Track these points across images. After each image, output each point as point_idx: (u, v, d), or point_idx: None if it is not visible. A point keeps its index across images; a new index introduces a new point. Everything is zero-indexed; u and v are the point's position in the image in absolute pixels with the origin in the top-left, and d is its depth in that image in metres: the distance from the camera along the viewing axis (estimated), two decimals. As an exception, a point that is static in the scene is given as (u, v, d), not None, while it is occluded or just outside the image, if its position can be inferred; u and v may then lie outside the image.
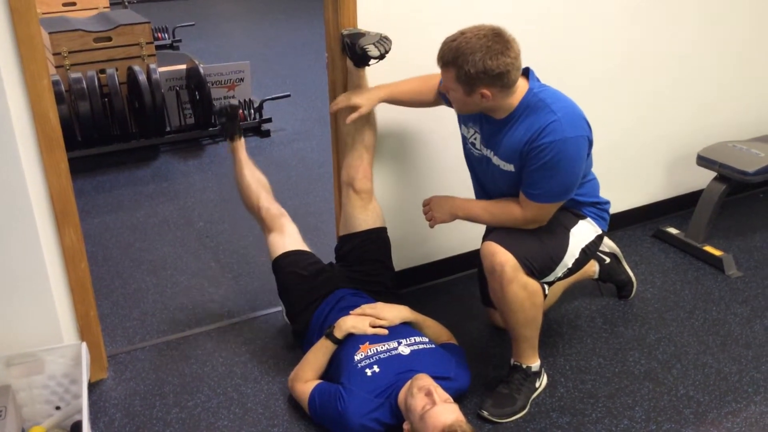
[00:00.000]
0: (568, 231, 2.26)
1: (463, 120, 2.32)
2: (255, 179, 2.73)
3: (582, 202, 2.30)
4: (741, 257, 3.20)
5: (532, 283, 2.18)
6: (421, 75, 2.44)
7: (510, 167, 2.17)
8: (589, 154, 2.20)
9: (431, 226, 2.38)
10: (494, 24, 2.03)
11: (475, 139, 2.29)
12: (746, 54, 3.43)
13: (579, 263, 2.30)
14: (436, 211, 2.33)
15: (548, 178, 2.11)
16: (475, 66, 1.98)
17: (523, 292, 2.16)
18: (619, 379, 2.46)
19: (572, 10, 2.85)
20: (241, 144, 2.76)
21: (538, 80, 2.17)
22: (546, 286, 2.27)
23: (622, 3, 2.95)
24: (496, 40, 1.99)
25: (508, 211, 2.21)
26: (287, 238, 2.62)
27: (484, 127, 2.22)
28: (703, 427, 2.25)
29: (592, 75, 2.98)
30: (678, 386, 2.43)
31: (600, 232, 2.35)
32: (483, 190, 2.39)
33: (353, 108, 2.38)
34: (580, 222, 2.30)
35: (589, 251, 2.32)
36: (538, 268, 2.18)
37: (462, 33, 2.03)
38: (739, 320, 2.78)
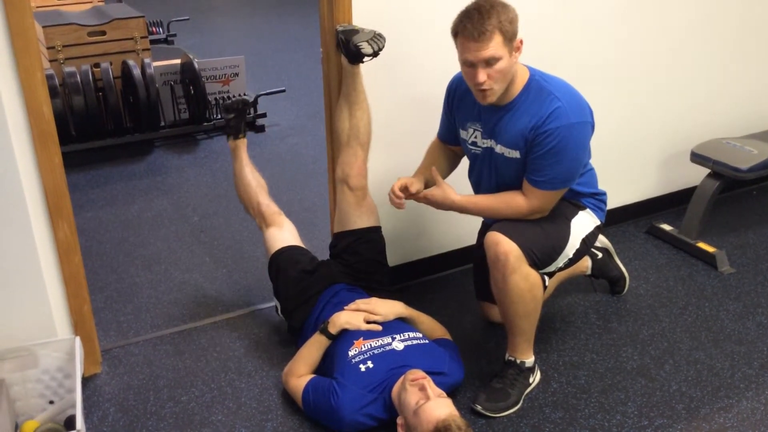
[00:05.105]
0: (569, 221, 2.28)
1: (461, 123, 2.33)
2: (255, 180, 2.72)
3: (581, 192, 2.31)
4: (734, 254, 3.21)
5: (534, 275, 2.19)
6: (426, 151, 2.48)
7: (516, 154, 2.18)
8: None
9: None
10: None
11: (475, 137, 2.29)
12: (740, 51, 3.44)
13: (579, 253, 2.31)
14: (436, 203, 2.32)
15: (553, 164, 2.12)
16: (511, 11, 2.01)
17: (525, 283, 2.17)
18: (612, 374, 2.47)
19: (565, 7, 2.85)
20: (243, 143, 2.74)
21: None
22: (546, 278, 2.29)
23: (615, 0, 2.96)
24: None
25: (513, 202, 2.22)
26: (286, 233, 2.63)
27: (485, 119, 2.23)
28: (695, 423, 2.26)
29: (584, 72, 2.97)
30: (670, 382, 2.44)
31: (599, 222, 2.37)
32: (486, 190, 2.37)
33: (411, 189, 2.30)
34: (580, 213, 2.31)
35: (589, 242, 2.34)
36: (541, 257, 2.19)
37: (469, 6, 2.04)
38: (732, 316, 2.79)
